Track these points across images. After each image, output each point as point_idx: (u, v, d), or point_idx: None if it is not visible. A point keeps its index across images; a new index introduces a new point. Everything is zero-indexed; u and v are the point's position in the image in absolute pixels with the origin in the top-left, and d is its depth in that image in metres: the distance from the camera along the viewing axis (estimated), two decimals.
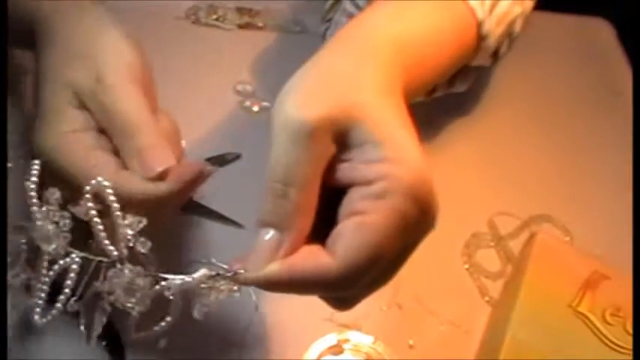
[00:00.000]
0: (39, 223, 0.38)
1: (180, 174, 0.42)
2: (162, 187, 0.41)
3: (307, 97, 0.36)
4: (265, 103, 0.65)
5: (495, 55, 0.56)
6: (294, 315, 0.51)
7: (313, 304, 0.51)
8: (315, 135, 0.35)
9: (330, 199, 0.37)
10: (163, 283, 0.38)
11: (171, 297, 0.38)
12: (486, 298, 0.55)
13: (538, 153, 0.65)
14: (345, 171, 0.36)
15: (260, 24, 0.71)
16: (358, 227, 0.35)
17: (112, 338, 0.46)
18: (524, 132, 0.67)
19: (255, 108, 0.64)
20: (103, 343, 0.46)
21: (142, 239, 0.38)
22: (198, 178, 0.43)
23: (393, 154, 0.35)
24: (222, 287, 0.38)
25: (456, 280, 0.55)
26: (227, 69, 0.67)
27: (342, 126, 0.36)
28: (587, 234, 0.58)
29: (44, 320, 0.39)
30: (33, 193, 0.39)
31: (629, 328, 0.47)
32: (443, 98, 0.58)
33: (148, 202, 0.41)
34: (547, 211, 0.60)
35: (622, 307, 0.48)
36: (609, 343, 0.47)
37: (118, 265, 0.38)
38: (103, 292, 0.38)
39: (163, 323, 0.39)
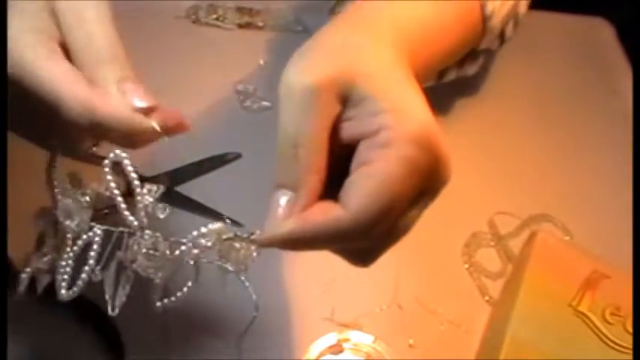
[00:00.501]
0: (60, 201, 0.39)
1: (166, 116, 0.39)
2: (146, 122, 0.38)
3: (309, 64, 0.37)
4: (265, 103, 0.65)
5: (502, 37, 0.56)
6: (294, 315, 0.51)
7: (313, 304, 0.51)
8: (319, 95, 0.36)
9: (342, 162, 0.37)
10: (183, 247, 0.38)
11: (191, 262, 0.39)
12: (486, 298, 0.55)
13: (538, 152, 0.65)
14: (351, 128, 0.37)
15: (260, 23, 0.71)
16: (366, 175, 0.36)
17: (112, 338, 0.46)
18: (525, 132, 0.67)
19: (255, 107, 0.64)
20: (103, 343, 0.46)
21: (161, 205, 0.39)
22: (179, 129, 0.40)
23: (394, 105, 0.36)
24: (239, 246, 0.39)
25: (456, 280, 0.55)
26: (227, 69, 0.67)
27: (344, 86, 0.37)
28: (587, 233, 0.58)
29: (70, 293, 0.40)
30: (54, 175, 0.39)
31: (629, 327, 0.47)
32: (442, 96, 0.59)
33: (128, 134, 0.38)
34: (547, 210, 0.60)
35: (622, 307, 0.48)
36: (609, 342, 0.47)
37: (139, 233, 0.38)
38: (125, 261, 0.39)
39: (185, 289, 0.40)
